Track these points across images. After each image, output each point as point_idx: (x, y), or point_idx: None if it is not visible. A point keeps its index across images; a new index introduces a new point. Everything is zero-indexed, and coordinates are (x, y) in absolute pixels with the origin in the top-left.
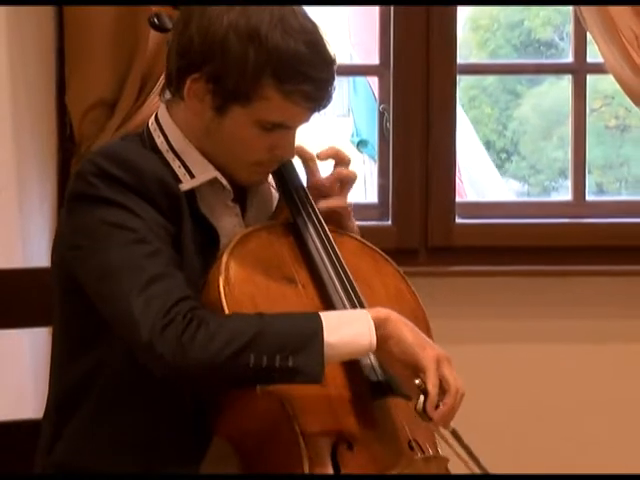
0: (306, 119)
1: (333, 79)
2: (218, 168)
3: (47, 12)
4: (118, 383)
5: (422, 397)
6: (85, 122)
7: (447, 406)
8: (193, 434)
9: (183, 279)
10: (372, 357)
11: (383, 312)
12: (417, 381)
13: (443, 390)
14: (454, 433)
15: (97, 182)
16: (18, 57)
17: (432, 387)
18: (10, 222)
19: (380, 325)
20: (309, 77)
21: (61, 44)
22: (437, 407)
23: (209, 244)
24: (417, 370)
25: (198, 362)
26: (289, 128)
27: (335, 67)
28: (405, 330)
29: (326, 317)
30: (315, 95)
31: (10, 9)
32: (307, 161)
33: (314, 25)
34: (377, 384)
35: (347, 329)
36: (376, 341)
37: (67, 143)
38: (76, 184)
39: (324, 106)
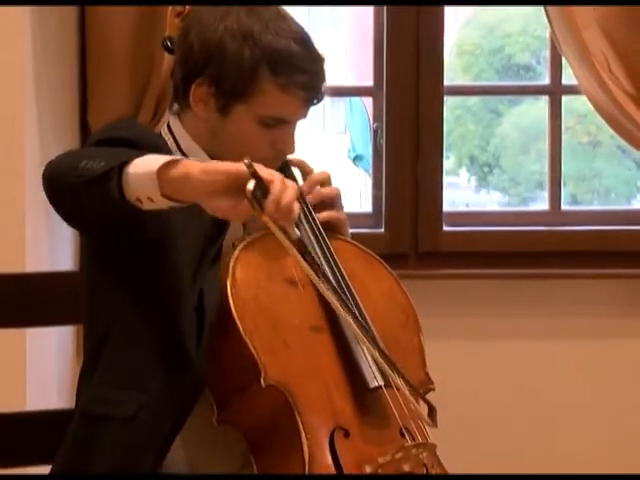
0: (303, 113)
1: (324, 73)
2: None
3: (70, 38)
4: (126, 333)
5: (253, 181)
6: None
7: (276, 187)
8: (187, 380)
9: None
10: (366, 352)
11: (191, 160)
12: (246, 160)
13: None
14: (300, 242)
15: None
16: (44, 81)
17: (263, 170)
18: (39, 230)
19: (182, 165)
20: (302, 69)
21: (83, 68)
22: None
23: (216, 235)
24: (237, 184)
25: (55, 165)
26: (288, 123)
27: (324, 64)
28: (206, 163)
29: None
30: (309, 85)
31: (37, 38)
32: (306, 174)
33: (301, 27)
34: (371, 376)
35: (155, 158)
36: (173, 182)
37: None
38: None
39: (318, 99)
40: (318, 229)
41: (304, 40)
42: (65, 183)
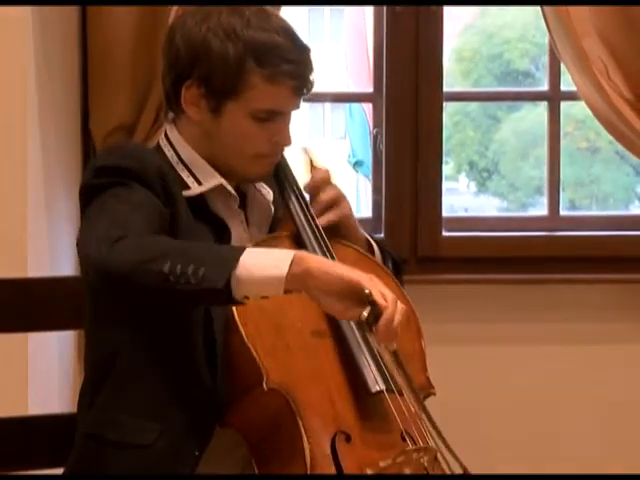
0: (294, 104)
1: (311, 63)
2: (227, 171)
3: (72, 44)
4: (139, 359)
5: (369, 307)
6: (107, 144)
7: (389, 314)
8: (206, 408)
9: (147, 229)
10: (368, 355)
11: (304, 252)
12: (367, 290)
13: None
14: (395, 355)
15: (101, 173)
16: (46, 88)
17: (379, 295)
18: (40, 236)
19: (299, 261)
20: (287, 59)
21: (85, 76)
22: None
23: (221, 238)
24: (351, 293)
25: (119, 263)
26: (282, 114)
27: (311, 54)
28: (326, 262)
29: (252, 248)
30: (297, 73)
31: (38, 46)
32: (312, 168)
33: (284, 21)
34: (372, 381)
35: (265, 257)
36: (297, 278)
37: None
38: (85, 177)
39: (307, 88)
40: (321, 235)
41: (287, 32)
42: (147, 286)
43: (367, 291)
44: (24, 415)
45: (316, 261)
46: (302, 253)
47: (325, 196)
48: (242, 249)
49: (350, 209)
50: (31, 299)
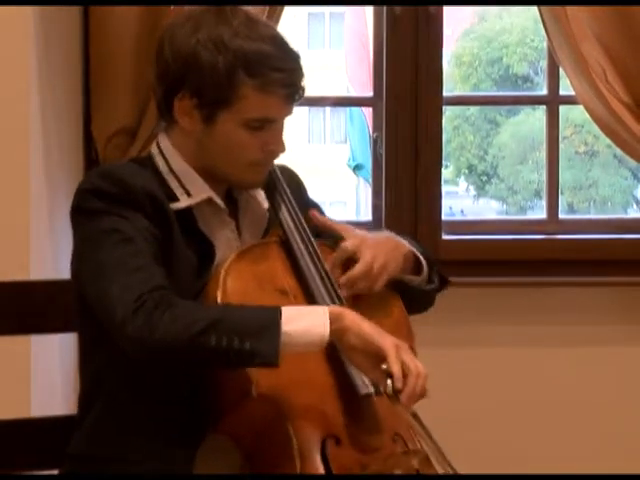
0: (287, 111)
1: (301, 70)
2: (221, 178)
3: (74, 49)
4: (125, 378)
5: (389, 381)
6: (109, 147)
7: (410, 386)
8: (192, 421)
9: (162, 274)
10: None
11: (339, 308)
12: (384, 366)
13: (404, 374)
14: (415, 416)
15: (90, 197)
16: (49, 91)
17: (396, 369)
18: (42, 238)
19: (336, 319)
20: (277, 68)
21: (87, 79)
22: (402, 389)
23: (206, 258)
24: (378, 357)
25: (163, 342)
26: (274, 122)
27: (301, 61)
28: (362, 322)
29: (286, 309)
30: (287, 82)
31: (41, 49)
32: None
33: (273, 29)
34: (361, 383)
35: (303, 320)
36: (334, 333)
37: (93, 166)
38: (75, 199)
39: (299, 95)
40: (309, 240)
41: (276, 40)
42: (194, 359)
43: (384, 366)
44: (27, 417)
45: (351, 320)
46: (337, 309)
47: (352, 274)
48: (278, 313)
49: (387, 270)
50: (33, 301)
